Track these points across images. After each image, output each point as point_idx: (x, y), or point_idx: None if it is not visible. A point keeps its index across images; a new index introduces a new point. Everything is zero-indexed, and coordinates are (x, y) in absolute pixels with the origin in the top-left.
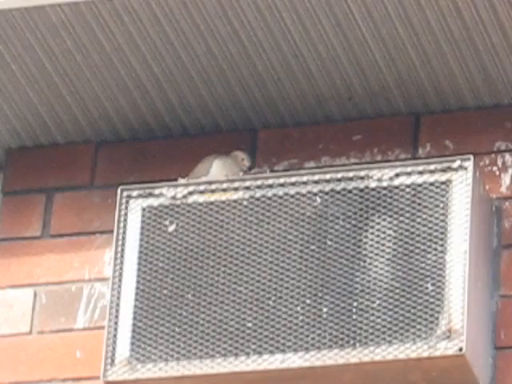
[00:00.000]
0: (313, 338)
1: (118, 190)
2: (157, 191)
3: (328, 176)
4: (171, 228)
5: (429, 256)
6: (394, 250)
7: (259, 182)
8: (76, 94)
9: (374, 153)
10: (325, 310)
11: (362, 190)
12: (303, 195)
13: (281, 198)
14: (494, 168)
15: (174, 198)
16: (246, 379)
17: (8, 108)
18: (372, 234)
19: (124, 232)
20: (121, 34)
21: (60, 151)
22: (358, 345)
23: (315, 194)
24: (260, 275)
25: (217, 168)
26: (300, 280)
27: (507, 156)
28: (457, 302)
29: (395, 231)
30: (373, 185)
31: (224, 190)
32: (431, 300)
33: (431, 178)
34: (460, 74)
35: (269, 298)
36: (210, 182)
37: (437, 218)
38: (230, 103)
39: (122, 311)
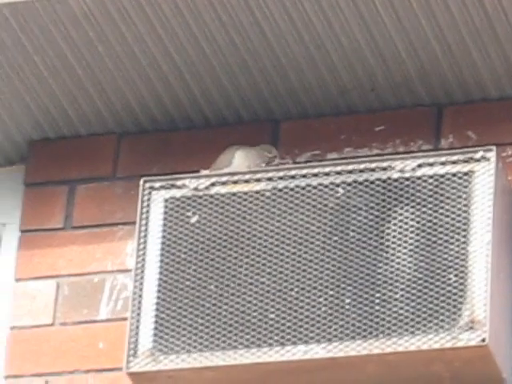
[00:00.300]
0: (335, 329)
1: (141, 182)
2: (179, 182)
3: (350, 167)
4: (193, 219)
5: (451, 247)
6: (417, 240)
7: (282, 173)
8: (98, 85)
9: (397, 144)
10: (347, 301)
11: (384, 181)
12: (326, 186)
13: (303, 189)
14: None
15: (196, 189)
16: (268, 370)
17: (30, 100)
18: (394, 225)
19: (146, 223)
20: (143, 25)
21: (82, 143)
22: (380, 336)
23: (338, 185)
24: (282, 266)
25: (239, 159)
26: (322, 271)
27: None
28: (479, 293)
29: (418, 222)
30: (395, 176)
31: (246, 182)
32: (454, 291)
33: (454, 169)
34: (482, 64)
35: (291, 289)
36: (233, 174)
37: (459, 209)
38: (252, 94)
39: (145, 302)
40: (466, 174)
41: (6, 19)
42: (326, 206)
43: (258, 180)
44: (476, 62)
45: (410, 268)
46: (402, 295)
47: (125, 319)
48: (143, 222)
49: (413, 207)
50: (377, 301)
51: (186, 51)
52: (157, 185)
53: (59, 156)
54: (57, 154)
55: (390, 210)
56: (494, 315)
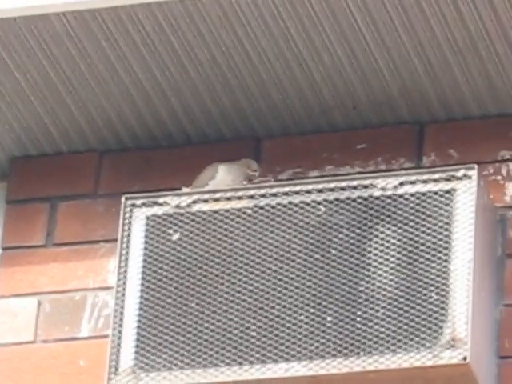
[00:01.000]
0: (317, 347)
1: (122, 199)
2: (161, 200)
3: (332, 185)
4: (175, 237)
5: (433, 265)
6: (398, 258)
7: (263, 191)
8: (80, 102)
9: (378, 162)
10: (329, 318)
11: (366, 199)
12: (307, 204)
13: (285, 206)
14: (499, 177)
15: (178, 206)
16: None
17: (12, 116)
18: (376, 242)
19: (128, 241)
20: (125, 42)
21: (64, 160)
22: (362, 354)
23: (319, 203)
24: (264, 284)
25: (223, 173)
26: (304, 289)
27: (511, 165)
28: (461, 311)
29: (399, 240)
30: (377, 194)
31: (228, 199)
32: (435, 309)
33: (435, 187)
34: (464, 82)
35: (273, 307)
36: (214, 191)
37: (441, 227)
38: (233, 112)
39: (126, 320)
40: (447, 192)
41: None
42: (307, 223)
43: (240, 197)
44: (458, 80)
45: (391, 286)
46: (384, 313)
47: (106, 337)
48: (125, 239)
49: (394, 225)
50: (358, 319)
51: (167, 69)
52: (138, 202)
53: (41, 173)
54: (38, 171)
55: (371, 227)
56: (476, 333)
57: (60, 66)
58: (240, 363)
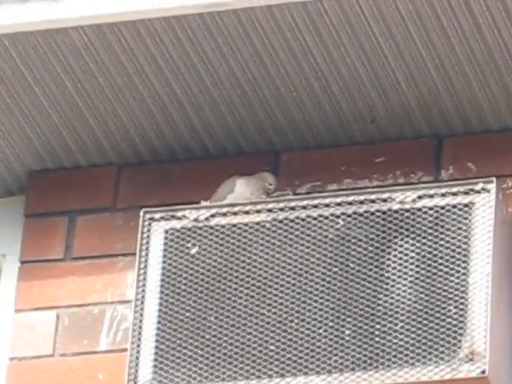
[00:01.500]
0: (335, 361)
1: (141, 213)
2: (179, 213)
3: (351, 198)
4: (194, 250)
5: (451, 278)
6: (417, 272)
7: (282, 205)
8: (98, 116)
9: (397, 175)
10: (347, 332)
11: (384, 213)
12: (326, 218)
13: (303, 220)
14: None
15: (196, 220)
16: None
17: (31, 130)
18: (394, 256)
19: (146, 254)
20: (143, 56)
21: (82, 174)
22: (380, 367)
23: (338, 217)
24: (282, 298)
25: (241, 187)
26: (322, 302)
27: None
28: (479, 325)
29: (418, 253)
30: (395, 207)
31: (246, 213)
32: (454, 322)
33: (454, 201)
34: (483, 96)
35: (291, 321)
36: (233, 205)
37: (459, 241)
38: (252, 125)
39: (145, 334)
40: (466, 205)
41: (7, 50)
42: (326, 237)
43: (259, 211)
44: (476, 93)
45: (409, 299)
46: (402, 327)
47: (125, 350)
48: (143, 252)
49: (413, 239)
50: (377, 332)
51: (186, 82)
52: (157, 216)
53: (59, 187)
54: (57, 184)
55: (390, 241)
56: (494, 347)
57: (78, 80)
58: (259, 377)
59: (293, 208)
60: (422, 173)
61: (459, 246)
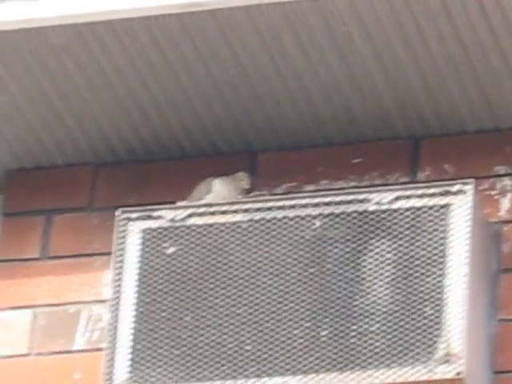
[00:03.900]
0: (311, 361)
1: (117, 212)
2: (156, 213)
3: (327, 199)
4: (170, 250)
5: (428, 280)
6: (393, 273)
7: (258, 205)
8: (76, 115)
9: (374, 176)
10: (323, 333)
11: (361, 214)
12: (302, 218)
13: (280, 220)
14: (493, 192)
15: (173, 220)
16: None
17: (8, 130)
18: (371, 257)
19: (123, 254)
20: (121, 56)
21: (59, 173)
22: (356, 368)
23: (314, 217)
24: (259, 298)
25: (218, 187)
26: (299, 303)
27: (506, 180)
28: (456, 326)
29: (394, 255)
30: (372, 208)
31: (223, 213)
32: (430, 324)
33: (430, 202)
34: (460, 97)
35: (267, 321)
36: (209, 205)
37: (436, 242)
38: (229, 126)
39: (121, 333)
40: (442, 206)
41: None
42: (302, 237)
43: (235, 211)
44: (453, 94)
45: (386, 300)
46: (378, 328)
47: (100, 350)
48: (119, 252)
49: (389, 240)
50: (353, 333)
51: (163, 82)
52: (133, 215)
53: (36, 186)
54: (34, 184)
55: (366, 242)
56: (470, 348)
57: (55, 79)
58: (235, 377)
59: (269, 208)
60: (398, 174)
61: (436, 248)
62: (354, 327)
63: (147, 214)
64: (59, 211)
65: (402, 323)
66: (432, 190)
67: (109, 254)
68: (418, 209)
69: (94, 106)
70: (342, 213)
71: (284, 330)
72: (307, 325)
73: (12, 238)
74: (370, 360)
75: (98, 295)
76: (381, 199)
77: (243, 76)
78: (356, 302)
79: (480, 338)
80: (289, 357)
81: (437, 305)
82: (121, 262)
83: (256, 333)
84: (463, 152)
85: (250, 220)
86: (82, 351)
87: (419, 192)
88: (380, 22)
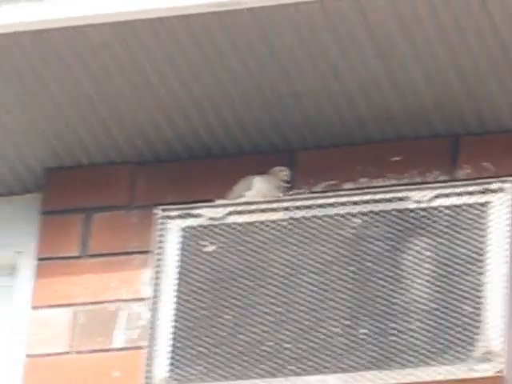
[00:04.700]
0: (350, 360)
1: (157, 211)
2: (195, 211)
3: (367, 197)
4: (210, 248)
5: (467, 278)
6: (433, 271)
7: (298, 203)
8: (115, 113)
9: (413, 174)
10: (363, 331)
11: (400, 212)
12: (342, 216)
13: (319, 218)
14: None
15: (212, 218)
16: None
17: (47, 128)
18: (410, 255)
19: (162, 252)
20: (161, 54)
21: (99, 171)
22: (395, 366)
23: (354, 215)
24: (298, 296)
25: (258, 184)
26: (338, 301)
27: None
28: (495, 324)
29: (434, 253)
30: (411, 206)
31: (263, 211)
32: (469, 322)
33: (470, 200)
34: (499, 95)
35: (307, 319)
36: (249, 203)
37: (475, 240)
38: (268, 124)
39: (161, 331)
40: (482, 204)
41: (24, 48)
42: (342, 236)
43: (275, 209)
44: (493, 92)
45: (425, 299)
46: (418, 326)
47: (139, 348)
48: (159, 250)
49: (429, 238)
50: (392, 331)
51: (203, 80)
52: (173, 214)
53: (76, 184)
54: (73, 182)
55: (406, 240)
56: (510, 346)
57: (95, 78)
58: (274, 375)
59: (309, 206)
60: (438, 172)
61: (475, 246)
62: (394, 325)
63: (187, 212)
64: (98, 209)
65: (441, 321)
66: (471, 188)
67: (148, 252)
68: (458, 207)
69: (134, 105)
70: (382, 211)
71: (323, 328)
72: (346, 323)
73: (51, 237)
74: (410, 358)
75: (137, 293)
76: (420, 197)
77: (282, 74)
78: (395, 300)
79: None
80: (328, 355)
81: (476, 303)
82: (160, 260)
83: (295, 331)
84: (502, 150)
85: (290, 218)
86: (121, 349)
87: (458, 190)
88: (419, 20)
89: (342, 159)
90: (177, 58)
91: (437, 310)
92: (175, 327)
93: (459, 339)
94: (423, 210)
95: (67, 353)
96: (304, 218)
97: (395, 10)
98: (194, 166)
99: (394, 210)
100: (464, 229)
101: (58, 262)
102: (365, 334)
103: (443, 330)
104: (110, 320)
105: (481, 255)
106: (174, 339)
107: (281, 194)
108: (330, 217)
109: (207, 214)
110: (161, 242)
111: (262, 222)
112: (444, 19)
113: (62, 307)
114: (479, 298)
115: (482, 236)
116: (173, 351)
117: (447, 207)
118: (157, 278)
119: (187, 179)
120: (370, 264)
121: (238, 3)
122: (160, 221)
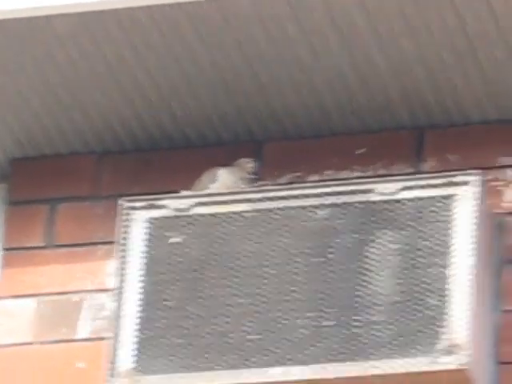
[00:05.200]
0: (314, 352)
1: (122, 201)
2: (160, 203)
3: (331, 189)
4: (175, 239)
5: (432, 270)
6: (397, 263)
7: (262, 195)
8: (79, 104)
9: (378, 166)
10: (327, 323)
11: (365, 204)
12: (306, 208)
13: (283, 210)
14: (498, 183)
15: (177, 209)
16: None
17: (12, 118)
18: (375, 247)
19: (127, 243)
20: (125, 44)
21: (63, 162)
22: (359, 358)
23: (318, 208)
24: (262, 288)
25: (223, 176)
26: (302, 293)
27: (510, 171)
28: (460, 317)
29: (398, 245)
30: (376, 199)
31: (226, 203)
32: (434, 314)
33: (434, 193)
34: (464, 88)
35: (271, 311)
36: (213, 194)
37: (440, 233)
38: (233, 115)
39: (125, 322)
40: (446, 197)
41: None
42: (306, 228)
43: (239, 201)
44: (458, 85)
45: (389, 291)
46: (382, 318)
47: (103, 339)
48: (123, 241)
49: (393, 230)
50: (356, 323)
51: (167, 71)
52: (138, 205)
53: (40, 175)
54: (38, 172)
55: (370, 232)
56: (475, 339)
57: (60, 68)
58: (238, 367)
59: (273, 198)
60: (402, 164)
61: (440, 238)
62: (358, 317)
63: (151, 203)
64: (63, 200)
65: (405, 314)
66: (436, 181)
67: (113, 243)
68: (422, 199)
69: (98, 95)
70: (346, 203)
71: (287, 320)
72: (310, 315)
73: (16, 227)
74: (373, 350)
75: (102, 284)
76: (385, 190)
77: (247, 65)
78: (359, 293)
79: (484, 329)
80: (292, 347)
81: (441, 295)
82: (125, 251)
83: (259, 323)
84: (467, 143)
85: (254, 210)
86: (86, 340)
87: (423, 183)
88: (384, 12)
89: (307, 151)
90: (141, 47)
91: (401, 302)
92: (140, 318)
93: (424, 332)
94: (388, 202)
95: (31, 343)
96: (268, 209)
97: (360, 2)
98: (160, 157)
99: (358, 202)
100: (429, 221)
101: (23, 252)
102: (329, 326)
103: (408, 323)
104: (75, 311)
105: (446, 248)
106: (139, 330)
107: (246, 186)
108: (294, 209)
109: (172, 205)
110: (126, 232)
111: (226, 214)
112: (409, 11)
113: (27, 297)
114: (444, 290)
115: (447, 229)
116: (137, 342)
117: (412, 200)
118: (122, 269)
119: (152, 170)
120: (334, 256)
121: None
122: (125, 212)
